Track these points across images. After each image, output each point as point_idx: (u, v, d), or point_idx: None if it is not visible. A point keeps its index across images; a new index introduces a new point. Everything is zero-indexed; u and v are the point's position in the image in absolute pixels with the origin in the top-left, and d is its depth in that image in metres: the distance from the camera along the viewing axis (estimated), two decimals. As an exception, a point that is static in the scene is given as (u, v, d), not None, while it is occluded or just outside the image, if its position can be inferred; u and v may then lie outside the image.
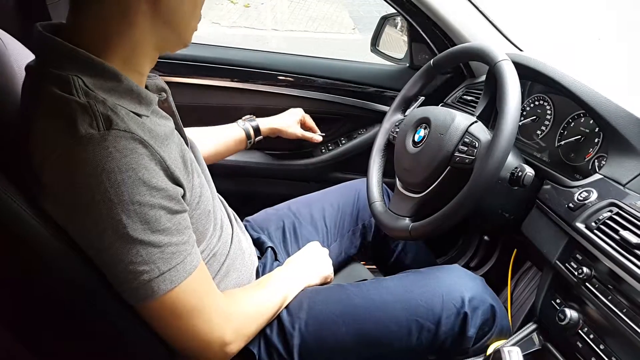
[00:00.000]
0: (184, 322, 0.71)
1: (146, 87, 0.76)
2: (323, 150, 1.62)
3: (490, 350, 0.93)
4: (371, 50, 1.66)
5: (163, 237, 0.66)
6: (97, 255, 0.65)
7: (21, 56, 0.78)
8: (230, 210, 1.03)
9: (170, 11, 0.68)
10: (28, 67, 0.69)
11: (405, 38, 1.57)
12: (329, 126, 1.60)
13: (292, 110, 1.40)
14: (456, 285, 0.95)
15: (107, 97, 0.65)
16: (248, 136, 1.29)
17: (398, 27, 1.58)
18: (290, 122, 1.36)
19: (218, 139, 1.23)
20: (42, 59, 0.68)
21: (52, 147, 0.62)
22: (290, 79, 1.54)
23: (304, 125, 1.40)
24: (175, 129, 0.79)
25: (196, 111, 1.52)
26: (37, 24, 0.68)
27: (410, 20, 1.41)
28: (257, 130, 1.30)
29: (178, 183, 0.70)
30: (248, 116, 1.33)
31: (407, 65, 1.59)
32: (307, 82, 1.54)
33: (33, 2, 1.18)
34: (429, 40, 1.42)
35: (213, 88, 1.53)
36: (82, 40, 0.66)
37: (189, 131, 0.91)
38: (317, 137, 1.43)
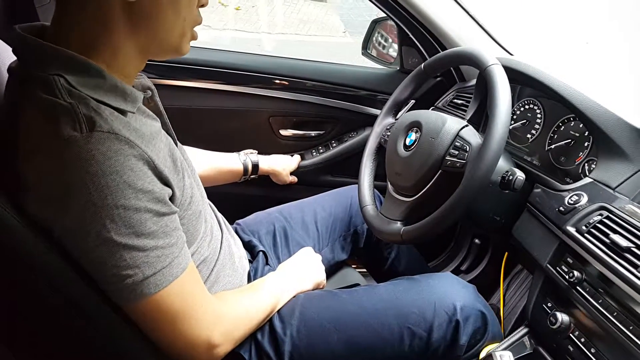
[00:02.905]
0: (170, 323, 0.70)
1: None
2: (314, 153, 1.61)
3: (482, 355, 0.92)
4: (362, 54, 1.67)
5: (149, 241, 0.65)
6: (81, 257, 0.64)
7: (10, 60, 0.76)
8: (219, 215, 1.02)
9: (145, 16, 0.66)
10: (10, 69, 0.68)
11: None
12: (319, 129, 1.60)
13: (292, 159, 1.52)
14: (448, 293, 0.94)
15: (91, 95, 0.63)
16: (245, 171, 1.30)
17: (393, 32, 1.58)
18: (287, 169, 1.48)
19: (212, 163, 1.23)
20: (23, 60, 0.67)
21: (36, 150, 0.61)
22: (281, 81, 1.54)
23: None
24: (163, 128, 0.78)
25: (187, 114, 1.51)
26: (15, 26, 0.66)
27: (400, 24, 1.41)
28: (255, 167, 1.32)
29: (167, 183, 0.69)
30: (249, 150, 1.35)
31: (398, 69, 1.59)
32: (298, 85, 1.54)
33: (22, 5, 1.16)
34: (418, 44, 1.43)
35: (203, 91, 1.52)
36: (66, 43, 0.64)
37: (186, 150, 0.91)
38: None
